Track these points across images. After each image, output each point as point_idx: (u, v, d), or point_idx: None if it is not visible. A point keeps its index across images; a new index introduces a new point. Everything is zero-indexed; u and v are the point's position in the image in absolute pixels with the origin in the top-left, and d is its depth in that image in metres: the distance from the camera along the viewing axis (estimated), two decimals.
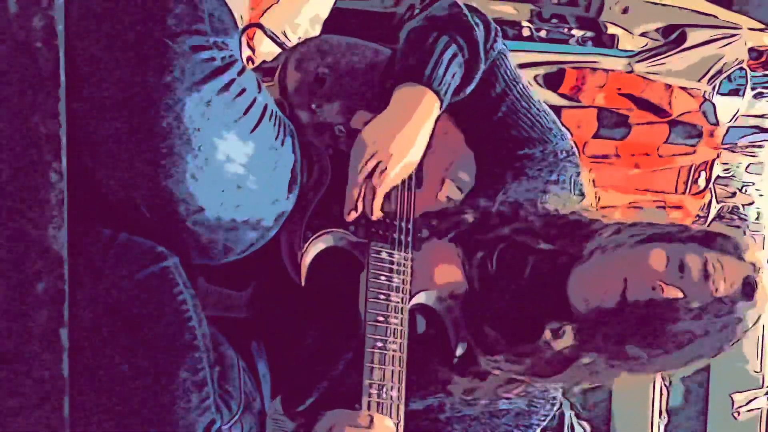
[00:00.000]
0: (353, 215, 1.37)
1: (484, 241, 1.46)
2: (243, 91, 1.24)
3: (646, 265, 1.36)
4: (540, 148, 1.51)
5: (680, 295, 1.35)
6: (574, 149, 1.56)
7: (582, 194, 1.55)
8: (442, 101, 1.41)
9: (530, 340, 1.39)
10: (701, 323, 1.35)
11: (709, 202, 3.56)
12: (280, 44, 1.82)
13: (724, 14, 3.38)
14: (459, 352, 1.42)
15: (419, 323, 1.45)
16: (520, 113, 1.50)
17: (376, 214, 1.38)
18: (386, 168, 1.36)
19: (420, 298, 1.41)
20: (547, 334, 1.37)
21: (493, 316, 1.43)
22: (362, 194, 1.37)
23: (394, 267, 1.37)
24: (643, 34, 3.26)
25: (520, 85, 1.51)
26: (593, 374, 1.41)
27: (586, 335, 1.37)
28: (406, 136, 1.37)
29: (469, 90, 1.46)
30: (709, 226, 3.54)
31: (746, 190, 3.71)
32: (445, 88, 1.40)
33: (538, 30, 3.13)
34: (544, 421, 1.56)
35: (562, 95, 3.11)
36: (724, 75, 3.39)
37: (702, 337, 1.36)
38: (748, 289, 1.38)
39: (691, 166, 3.40)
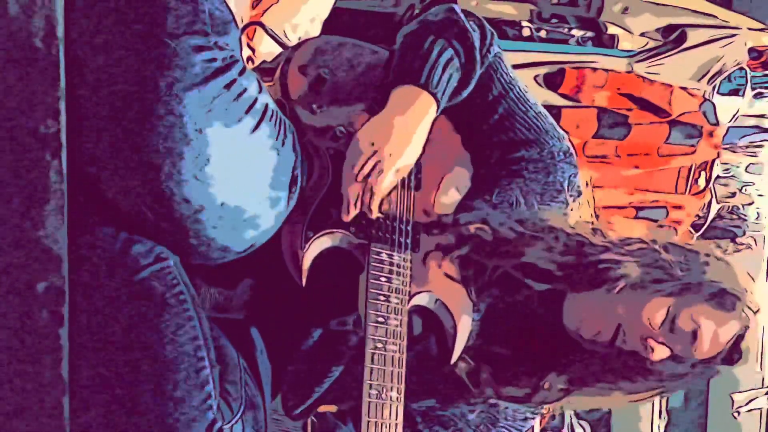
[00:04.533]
0: (351, 214, 1.36)
1: (483, 264, 1.47)
2: (244, 91, 1.24)
3: (640, 318, 1.40)
4: (537, 149, 1.51)
5: (667, 353, 1.40)
6: (572, 150, 1.56)
7: (579, 194, 1.55)
8: (438, 103, 1.41)
9: (522, 386, 1.47)
10: (679, 381, 1.45)
11: (709, 202, 3.56)
12: (280, 44, 1.81)
13: (724, 14, 3.38)
14: (456, 355, 1.43)
15: (416, 325, 1.45)
16: (517, 115, 1.50)
17: (375, 214, 1.37)
18: (383, 169, 1.36)
19: (419, 300, 1.41)
20: (546, 385, 1.45)
21: (491, 348, 1.49)
22: (360, 195, 1.36)
23: (394, 268, 1.37)
24: (643, 34, 3.26)
25: (517, 88, 1.51)
26: (571, 404, 1.53)
27: (576, 383, 1.46)
28: (403, 137, 1.37)
29: (466, 93, 1.46)
30: (706, 232, 3.55)
31: (746, 190, 3.71)
32: (442, 91, 1.40)
33: (538, 30, 3.13)
34: (537, 414, 1.61)
35: (562, 95, 3.10)
36: (724, 75, 3.39)
37: (675, 387, 1.49)
38: (732, 354, 1.42)
39: (691, 166, 3.39)
